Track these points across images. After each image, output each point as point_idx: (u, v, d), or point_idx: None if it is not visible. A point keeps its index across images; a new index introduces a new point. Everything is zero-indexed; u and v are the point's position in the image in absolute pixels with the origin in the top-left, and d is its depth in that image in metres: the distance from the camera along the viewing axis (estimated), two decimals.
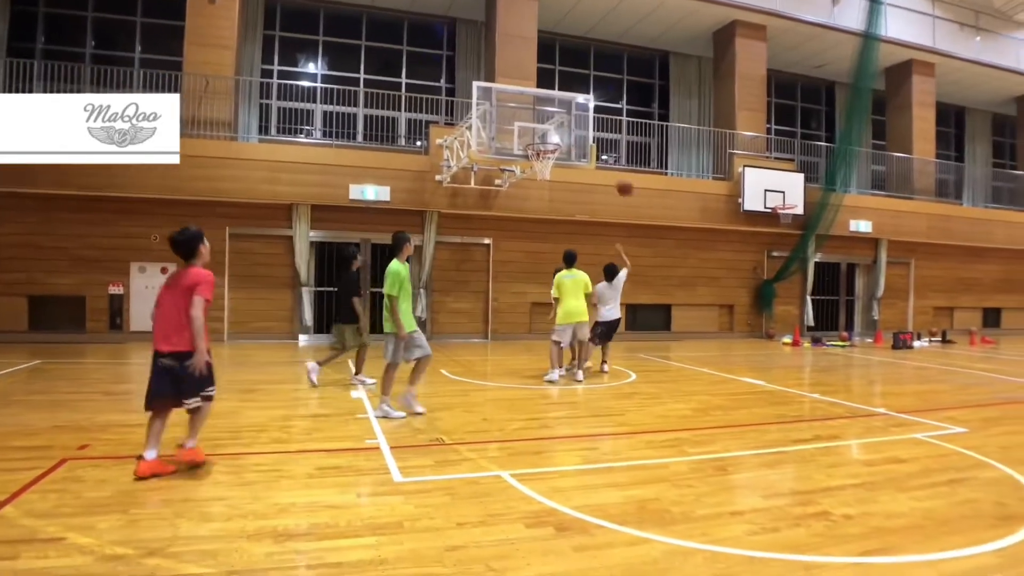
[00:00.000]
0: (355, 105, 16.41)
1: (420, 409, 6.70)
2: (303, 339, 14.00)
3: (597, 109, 18.32)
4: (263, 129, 15.92)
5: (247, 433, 5.87)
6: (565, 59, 18.84)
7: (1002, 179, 24.13)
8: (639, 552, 3.41)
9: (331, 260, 14.28)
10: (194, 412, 4.64)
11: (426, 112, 16.84)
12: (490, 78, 15.32)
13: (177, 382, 4.51)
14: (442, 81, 17.84)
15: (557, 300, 9.34)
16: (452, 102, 16.78)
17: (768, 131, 19.69)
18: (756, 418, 7.03)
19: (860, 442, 6.09)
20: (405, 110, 16.99)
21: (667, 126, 18.40)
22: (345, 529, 3.61)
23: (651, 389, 8.85)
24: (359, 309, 8.66)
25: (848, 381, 10.57)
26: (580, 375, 9.21)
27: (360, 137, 16.40)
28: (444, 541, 3.47)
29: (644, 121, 18.72)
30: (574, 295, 9.18)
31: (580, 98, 11.91)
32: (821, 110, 22.32)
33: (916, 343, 16.33)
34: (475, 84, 11.22)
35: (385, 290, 6.53)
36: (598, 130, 17.86)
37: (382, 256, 14.56)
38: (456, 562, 3.24)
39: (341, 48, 17.22)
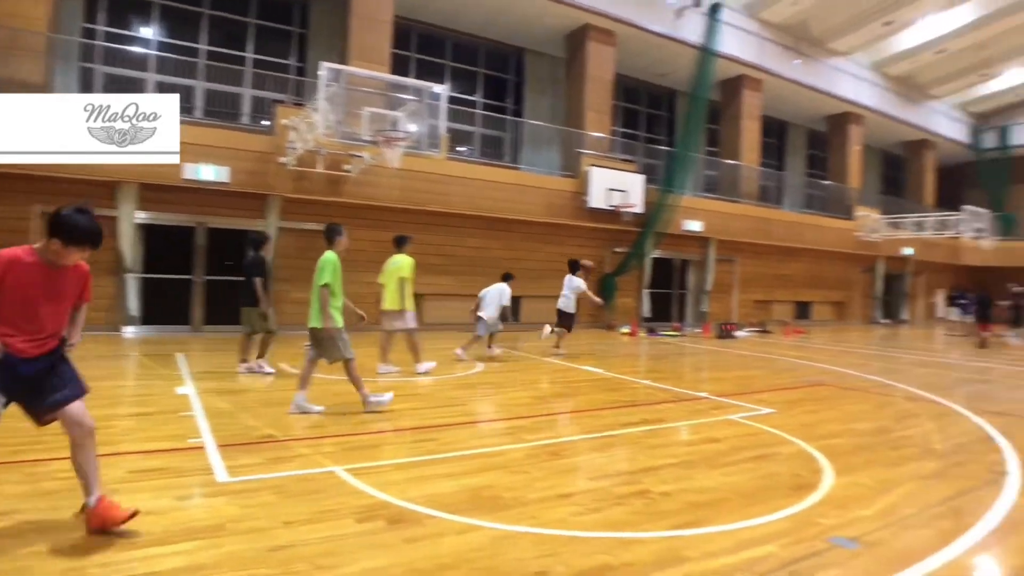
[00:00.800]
0: (194, 77, 15.35)
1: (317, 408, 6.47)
2: (128, 331, 12.90)
3: (452, 100, 18.39)
4: None
5: (50, 436, 5.29)
6: (422, 47, 18.69)
7: (814, 188, 26.85)
8: (469, 539, 3.48)
9: (161, 244, 13.33)
10: None
11: (274, 90, 16.01)
12: (344, 60, 14.86)
13: None
14: (292, 59, 17.09)
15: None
16: (302, 82, 16.12)
17: (614, 133, 20.63)
18: (591, 404, 7.39)
19: (682, 424, 6.57)
20: (251, 86, 16.13)
21: (520, 122, 18.76)
22: (161, 536, 3.35)
23: (495, 379, 9.05)
24: (260, 291, 8.41)
25: (677, 368, 11.33)
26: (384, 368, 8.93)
27: (198, 112, 15.37)
28: (268, 542, 3.34)
29: (498, 115, 18.97)
30: (387, 281, 8.94)
31: (436, 87, 11.83)
32: (663, 116, 23.69)
33: (738, 333, 17.86)
34: (324, 65, 10.86)
35: (322, 279, 6.30)
36: (452, 121, 17.92)
37: (222, 242, 13.82)
38: (280, 562, 3.13)
39: (180, 14, 15.92)
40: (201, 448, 5.01)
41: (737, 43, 20.67)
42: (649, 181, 18.53)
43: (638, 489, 4.39)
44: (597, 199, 16.86)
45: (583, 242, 17.74)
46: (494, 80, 20.14)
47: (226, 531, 3.47)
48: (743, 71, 21.47)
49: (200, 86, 15.50)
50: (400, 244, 9.17)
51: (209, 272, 13.76)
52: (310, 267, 13.35)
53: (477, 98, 19.70)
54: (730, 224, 20.47)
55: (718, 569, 3.20)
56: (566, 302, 11.83)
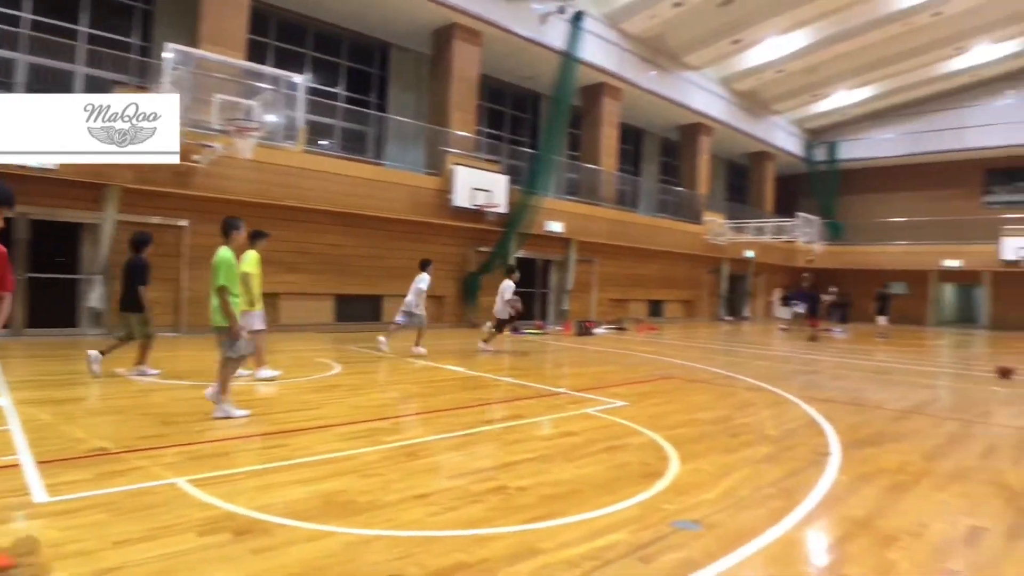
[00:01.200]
0: (15, 49, 13.80)
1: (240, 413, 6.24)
2: None
3: (313, 92, 17.74)
4: None
5: None
6: (282, 35, 17.81)
7: (667, 193, 28.37)
8: (320, 546, 3.36)
9: None
10: None
11: (113, 70, 14.66)
12: (194, 43, 13.89)
13: None
14: (135, 37, 15.77)
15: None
16: (146, 63, 14.90)
17: (479, 133, 20.73)
18: (452, 403, 7.35)
19: (540, 419, 6.71)
20: (85, 64, 14.73)
21: (384, 117, 18.39)
22: None
23: (354, 380, 8.80)
24: (145, 298, 8.00)
25: (538, 365, 11.56)
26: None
27: (20, 89, 13.82)
28: (95, 565, 3.03)
29: (361, 110, 18.50)
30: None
31: (294, 77, 11.32)
32: (528, 118, 24.07)
33: (597, 330, 18.55)
34: (169, 46, 10.11)
35: (216, 281, 6.14)
36: (312, 113, 17.28)
37: (50, 235, 12.53)
38: None
39: None
40: (16, 466, 4.45)
41: (599, 51, 21.37)
42: (513, 182, 18.78)
43: (495, 485, 4.42)
44: (462, 198, 16.87)
45: (447, 241, 17.71)
46: (357, 73, 19.59)
47: (43, 558, 3.12)
48: (603, 79, 22.23)
49: (22, 59, 13.95)
50: (253, 239, 8.65)
51: (33, 269, 12.43)
52: (153, 264, 12.49)
53: (339, 90, 19.12)
54: (590, 226, 21.16)
55: (570, 559, 3.28)
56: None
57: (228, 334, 6.19)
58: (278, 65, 16.63)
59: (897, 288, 31.57)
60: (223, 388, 6.24)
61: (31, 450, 4.85)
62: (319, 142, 17.32)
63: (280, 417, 6.40)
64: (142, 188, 12.82)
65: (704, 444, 5.81)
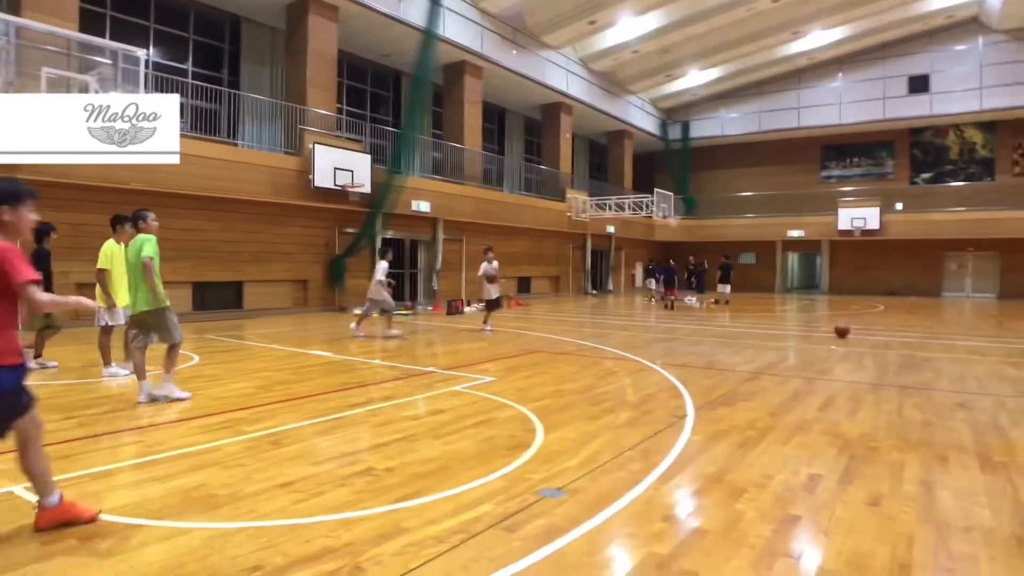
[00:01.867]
0: None
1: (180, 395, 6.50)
2: None
3: (158, 68, 16.61)
4: None
5: None
6: (119, 5, 16.46)
7: (532, 172, 28.91)
8: (178, 544, 3.25)
9: None
10: None
11: None
12: (16, 11, 12.56)
13: None
14: None
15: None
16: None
17: (340, 111, 20.19)
18: (318, 388, 7.24)
19: (409, 400, 6.75)
20: None
21: (237, 95, 17.48)
22: None
23: (213, 371, 8.44)
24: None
25: (407, 346, 11.51)
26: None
27: None
28: None
29: (212, 87, 17.46)
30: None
31: (137, 51, 10.49)
32: (389, 96, 23.69)
33: (467, 309, 18.73)
34: None
35: (146, 253, 6.39)
36: (159, 90, 16.16)
37: None
38: None
39: None
40: None
41: (460, 29, 21.35)
42: (377, 161, 18.48)
43: (362, 468, 4.43)
44: (323, 178, 16.41)
45: (310, 223, 17.21)
46: (207, 48, 18.51)
47: None
48: (465, 57, 22.24)
49: None
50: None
51: None
52: None
53: (187, 67, 17.96)
54: (456, 205, 21.25)
55: (437, 535, 3.35)
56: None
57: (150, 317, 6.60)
58: (117, 39, 15.41)
59: (746, 258, 34.17)
60: (143, 374, 6.54)
61: None
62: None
63: (133, 413, 6.04)
64: None
65: (568, 414, 6.06)
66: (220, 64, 18.74)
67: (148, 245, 6.45)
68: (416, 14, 19.04)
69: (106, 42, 11.30)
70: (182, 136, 15.39)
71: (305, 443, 5.11)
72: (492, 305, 13.90)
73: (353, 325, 12.59)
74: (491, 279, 13.69)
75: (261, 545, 3.24)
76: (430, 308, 19.60)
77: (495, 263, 13.93)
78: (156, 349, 6.90)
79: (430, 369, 8.56)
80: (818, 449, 5.02)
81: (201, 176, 14.43)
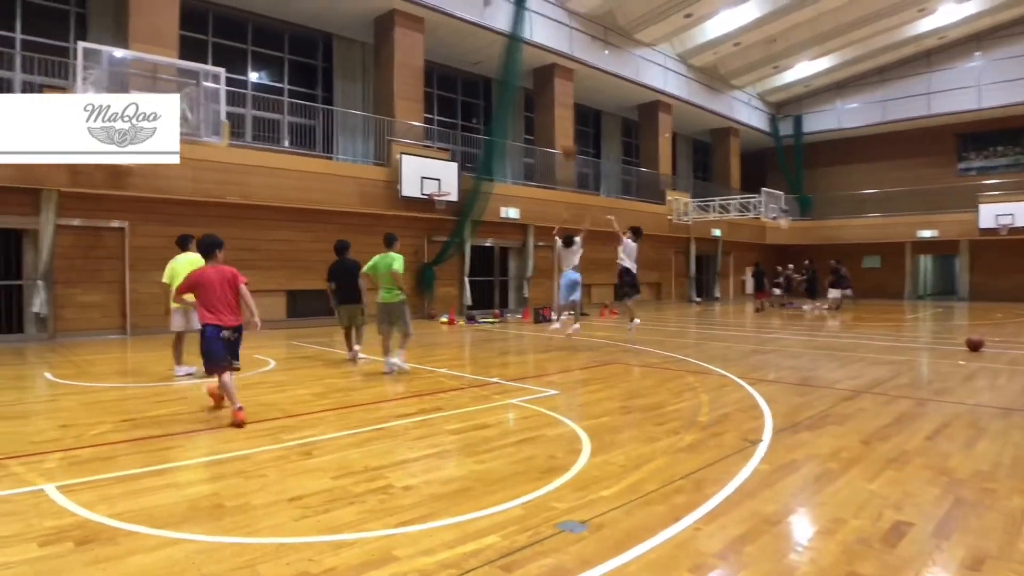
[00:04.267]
0: None
1: None
2: None
3: (258, 88, 17.46)
4: None
5: None
6: (220, 31, 17.46)
7: (630, 174, 28.21)
8: (163, 555, 3.18)
9: None
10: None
11: (50, 75, 14.27)
12: (125, 42, 13.55)
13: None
14: (71, 41, 15.34)
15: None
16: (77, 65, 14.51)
17: (430, 121, 20.45)
18: (373, 397, 7.17)
19: (459, 412, 6.48)
20: (21, 71, 14.35)
21: (328, 110, 18.05)
22: None
23: (282, 377, 8.59)
24: None
25: (480, 355, 11.36)
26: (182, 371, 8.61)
27: None
28: None
29: (307, 103, 18.15)
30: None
31: (215, 70, 11.01)
32: (479, 104, 23.79)
33: (554, 316, 18.33)
34: (81, 45, 9.78)
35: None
36: (260, 109, 16.99)
37: None
38: None
39: None
40: None
41: (548, 32, 21.15)
42: (467, 169, 18.56)
43: (380, 485, 4.23)
44: (410, 187, 16.62)
45: (399, 232, 17.13)
46: (301, 67, 19.29)
47: None
48: (554, 60, 21.99)
49: None
50: (185, 244, 8.62)
51: None
52: (95, 268, 12.12)
53: (284, 85, 18.77)
54: (547, 210, 20.94)
55: (423, 568, 3.05)
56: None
57: None
58: (219, 62, 16.35)
59: (870, 261, 31.73)
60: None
61: None
62: (235, 131, 16.95)
63: (188, 418, 6.19)
64: (77, 191, 12.52)
65: (625, 434, 5.55)
66: (314, 81, 19.47)
67: (397, 263, 8.85)
68: (502, 19, 19.00)
69: (188, 64, 11.93)
70: (281, 152, 16.48)
71: (335, 455, 4.98)
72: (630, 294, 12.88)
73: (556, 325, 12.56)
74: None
75: (240, 563, 3.11)
76: (519, 316, 19.40)
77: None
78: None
79: (494, 380, 8.30)
80: (914, 488, 4.16)
81: (296, 189, 15.00)
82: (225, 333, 6.05)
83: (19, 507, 3.80)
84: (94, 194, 12.75)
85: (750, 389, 7.65)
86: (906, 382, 8.37)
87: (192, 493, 4.08)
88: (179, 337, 8.59)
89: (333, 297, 9.81)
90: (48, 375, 8.62)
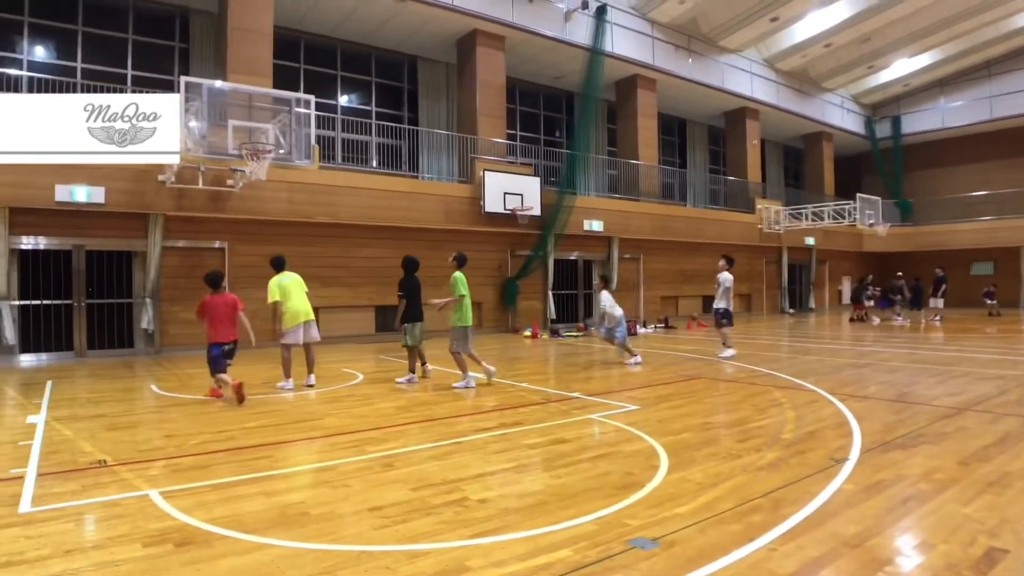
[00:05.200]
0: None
1: None
2: (20, 360, 12.33)
3: (346, 111, 18.21)
4: None
5: None
6: (311, 58, 18.35)
7: (717, 183, 27.60)
8: (251, 559, 3.38)
9: (39, 270, 12.75)
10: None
11: None
12: (224, 74, 14.49)
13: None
14: (175, 75, 16.52)
15: (277, 303, 8.96)
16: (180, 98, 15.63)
17: (513, 137, 20.72)
18: (454, 411, 7.31)
19: (538, 426, 6.52)
20: None
21: (413, 130, 18.61)
22: None
23: (369, 391, 8.88)
24: None
25: (562, 369, 11.37)
26: (311, 380, 9.13)
27: None
28: (39, 571, 3.22)
29: (393, 124, 18.78)
30: (298, 295, 9.01)
31: (304, 97, 11.59)
32: (562, 118, 23.92)
33: (640, 329, 18.16)
34: (182, 79, 10.50)
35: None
36: (348, 132, 17.70)
37: (98, 264, 13.24)
38: None
39: (52, 32, 15.32)
40: (20, 478, 4.80)
41: (628, 43, 21.07)
42: (550, 183, 18.69)
43: (456, 498, 4.33)
44: (493, 203, 16.89)
45: (482, 247, 17.74)
46: (388, 89, 19.98)
47: None
48: (636, 71, 21.87)
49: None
50: (282, 265, 9.21)
51: (90, 296, 13.20)
52: (197, 286, 12.85)
53: (372, 107, 19.50)
54: (631, 222, 20.81)
55: None
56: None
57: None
58: (310, 88, 17.18)
59: (981, 268, 29.75)
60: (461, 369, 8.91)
61: (40, 463, 5.20)
62: (335, 157, 17.63)
63: (280, 429, 6.54)
64: (182, 215, 13.38)
65: (704, 451, 5.44)
66: (400, 102, 20.13)
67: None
68: (583, 33, 19.09)
69: (278, 92, 12.53)
70: (369, 172, 17.12)
71: (415, 467, 5.13)
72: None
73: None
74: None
75: (321, 569, 3.26)
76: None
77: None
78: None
79: (574, 395, 8.30)
80: (1014, 514, 3.87)
81: (383, 207, 15.54)
82: (226, 347, 8.06)
83: (127, 510, 4.13)
84: (197, 217, 13.59)
85: (840, 405, 7.34)
86: (1015, 399, 7.78)
87: (281, 501, 4.30)
88: (287, 350, 9.00)
89: (404, 313, 9.56)
90: (154, 388, 9.23)
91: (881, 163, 33.31)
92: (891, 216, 29.04)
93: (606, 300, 11.76)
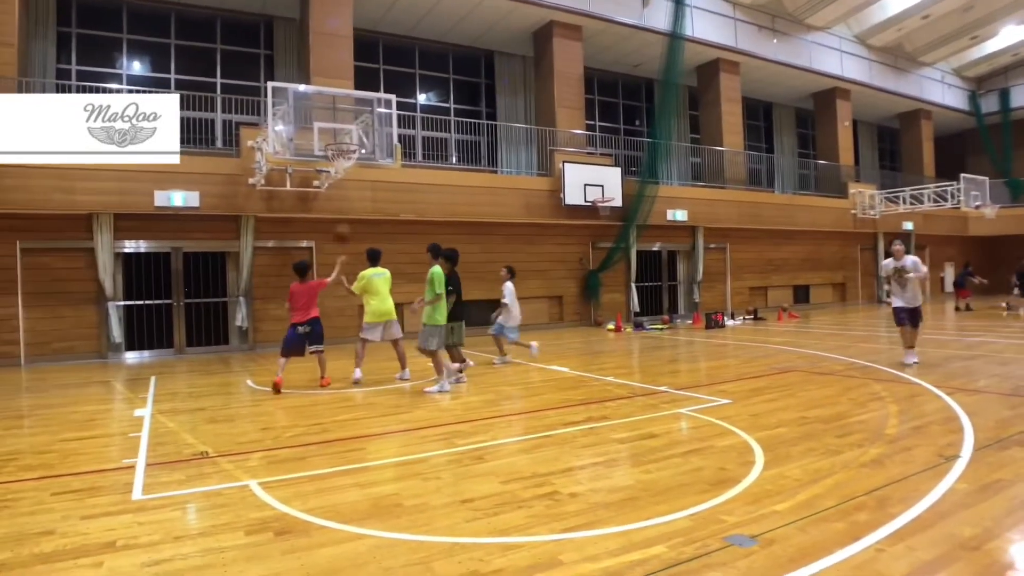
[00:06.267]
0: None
1: None
2: (120, 357, 13.07)
3: (425, 108, 18.50)
4: None
5: None
6: (389, 58, 18.68)
7: (807, 168, 26.49)
8: (348, 549, 3.45)
9: (140, 271, 13.52)
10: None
11: (245, 113, 16.04)
12: (307, 77, 14.95)
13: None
14: (262, 80, 17.18)
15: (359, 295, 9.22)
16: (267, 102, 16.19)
17: (592, 128, 20.48)
18: (542, 404, 7.29)
19: (627, 420, 6.40)
20: (221, 111, 16.25)
21: (494, 124, 18.67)
22: (49, 555, 3.43)
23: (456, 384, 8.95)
24: None
25: (648, 362, 11.14)
26: (406, 374, 9.27)
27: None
28: (148, 557, 3.39)
29: (472, 120, 18.90)
30: (384, 294, 9.16)
31: (386, 96, 11.80)
32: (641, 106, 23.47)
33: (728, 322, 17.63)
34: (269, 85, 10.87)
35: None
36: (428, 129, 17.94)
37: (199, 265, 13.93)
38: None
39: (148, 46, 16.21)
40: (132, 468, 5.08)
41: (710, 26, 20.48)
42: (632, 173, 18.38)
43: (546, 491, 4.29)
44: (573, 195, 16.73)
45: (563, 240, 17.64)
46: (465, 84, 20.12)
47: (115, 548, 3.52)
48: (718, 54, 21.22)
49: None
50: (377, 258, 9.39)
51: (188, 295, 13.90)
52: (287, 284, 13.32)
53: (450, 104, 19.69)
54: (717, 211, 20.21)
55: (589, 574, 3.08)
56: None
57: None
58: (389, 87, 17.50)
59: None
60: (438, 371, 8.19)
61: (149, 454, 5.49)
62: (418, 154, 17.85)
63: (371, 422, 6.68)
64: (271, 216, 13.88)
65: (802, 446, 5.20)
66: (478, 98, 20.24)
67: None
68: (661, 19, 18.62)
69: (358, 92, 12.70)
70: (449, 169, 17.32)
71: (505, 460, 5.13)
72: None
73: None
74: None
75: (415, 559, 3.29)
76: (689, 321, 18.82)
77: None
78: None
79: (663, 389, 8.11)
80: None
81: (464, 203, 15.67)
82: (300, 329, 8.52)
83: (230, 500, 4.29)
84: (285, 218, 14.07)
85: (948, 399, 6.89)
86: None
87: (374, 492, 4.37)
88: (363, 345, 9.21)
89: (451, 312, 8.71)
90: (250, 382, 9.60)
91: (988, 140, 31.12)
92: (1000, 197, 27.04)
93: (508, 294, 10.80)
